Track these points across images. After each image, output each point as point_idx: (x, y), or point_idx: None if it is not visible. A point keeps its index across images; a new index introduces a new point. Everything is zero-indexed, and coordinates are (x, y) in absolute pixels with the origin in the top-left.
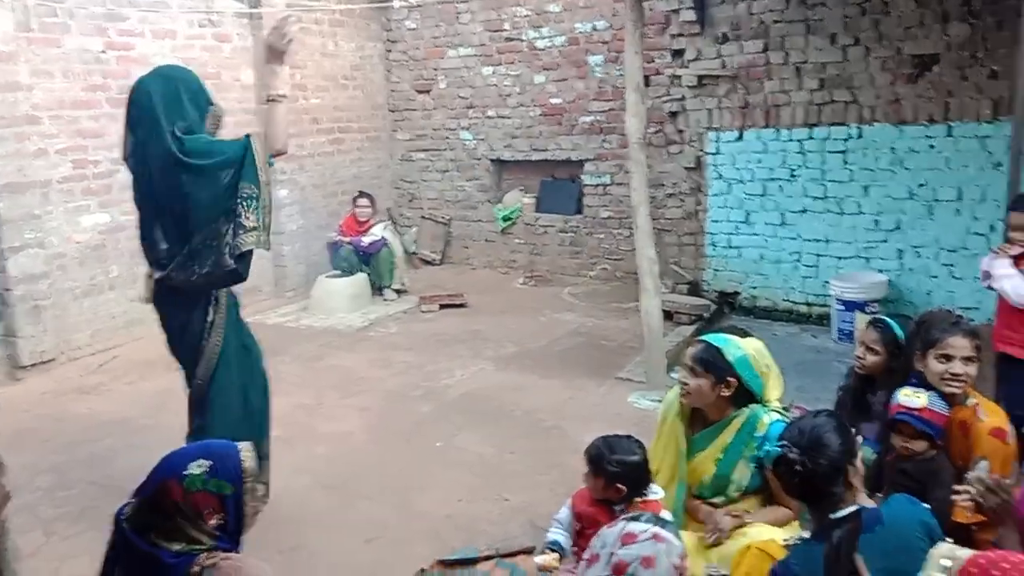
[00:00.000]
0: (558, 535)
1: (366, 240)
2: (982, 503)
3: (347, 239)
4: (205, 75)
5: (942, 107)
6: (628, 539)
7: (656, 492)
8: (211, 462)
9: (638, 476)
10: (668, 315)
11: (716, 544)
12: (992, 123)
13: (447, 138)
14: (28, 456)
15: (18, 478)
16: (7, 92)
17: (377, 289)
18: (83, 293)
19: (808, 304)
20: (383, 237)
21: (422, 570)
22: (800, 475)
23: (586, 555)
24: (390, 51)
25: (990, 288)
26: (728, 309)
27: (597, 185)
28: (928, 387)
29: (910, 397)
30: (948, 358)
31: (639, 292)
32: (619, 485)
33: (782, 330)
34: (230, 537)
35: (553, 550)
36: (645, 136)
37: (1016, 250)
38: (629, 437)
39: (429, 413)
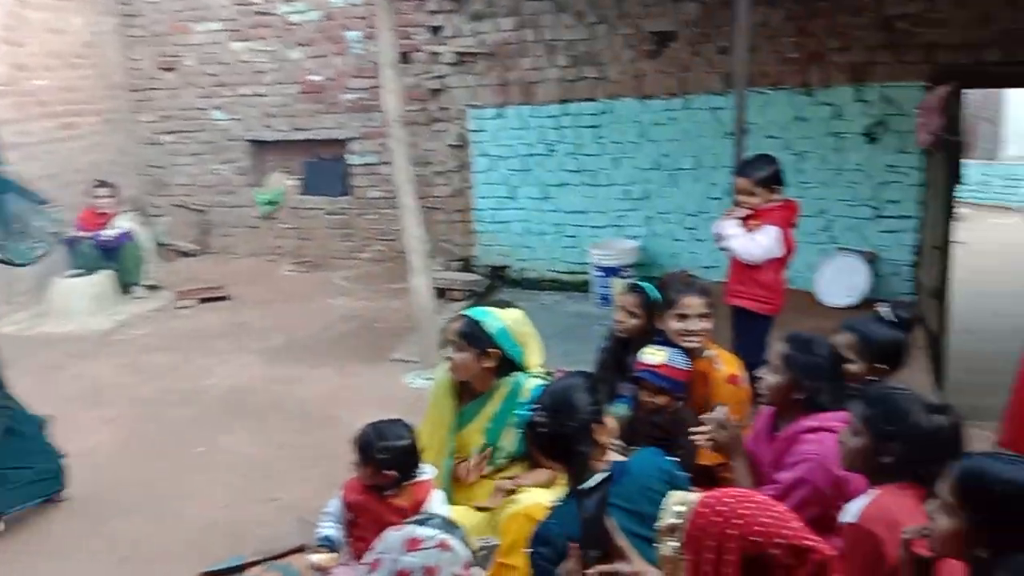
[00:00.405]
0: (329, 529)
1: (108, 234)
2: (718, 441)
3: (86, 234)
4: None
5: (679, 82)
6: (413, 545)
7: (426, 472)
8: None
9: (407, 460)
10: (442, 292)
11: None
12: (722, 95)
13: (197, 119)
14: None
15: None
16: None
17: (125, 287)
18: None
19: (571, 273)
20: (128, 229)
21: None
22: (547, 436)
23: (368, 558)
24: (127, 26)
25: (723, 248)
26: (500, 283)
27: (364, 165)
28: (672, 344)
29: (649, 355)
30: (684, 316)
31: None
32: (388, 471)
33: (549, 299)
34: None
35: (325, 547)
36: (407, 113)
37: (742, 212)
38: (397, 421)
39: (189, 417)
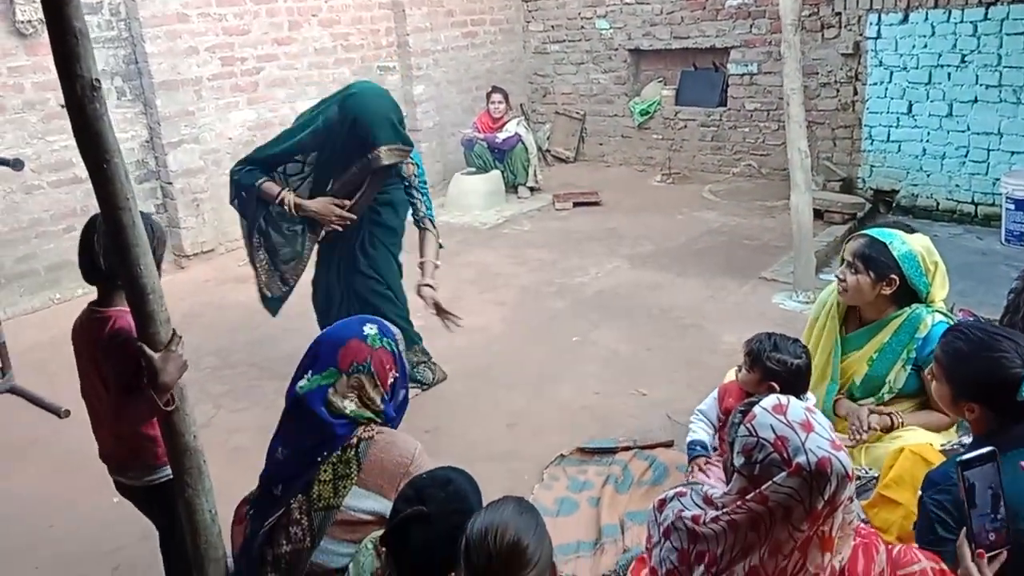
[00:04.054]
0: (701, 434)
1: (500, 137)
2: None
3: (481, 136)
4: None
5: None
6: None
7: (808, 399)
8: (377, 326)
9: (796, 380)
10: (818, 214)
11: (856, 445)
12: None
13: (582, 28)
14: (194, 338)
15: (187, 357)
16: None
17: (511, 187)
18: None
19: (974, 203)
20: (517, 133)
21: (561, 455)
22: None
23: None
24: None
25: None
26: (884, 208)
27: (743, 74)
28: None
29: None
30: None
31: (787, 189)
32: (773, 383)
33: (943, 231)
34: (394, 408)
35: (697, 455)
36: (799, 18)
37: None
38: (796, 340)
39: (564, 309)
